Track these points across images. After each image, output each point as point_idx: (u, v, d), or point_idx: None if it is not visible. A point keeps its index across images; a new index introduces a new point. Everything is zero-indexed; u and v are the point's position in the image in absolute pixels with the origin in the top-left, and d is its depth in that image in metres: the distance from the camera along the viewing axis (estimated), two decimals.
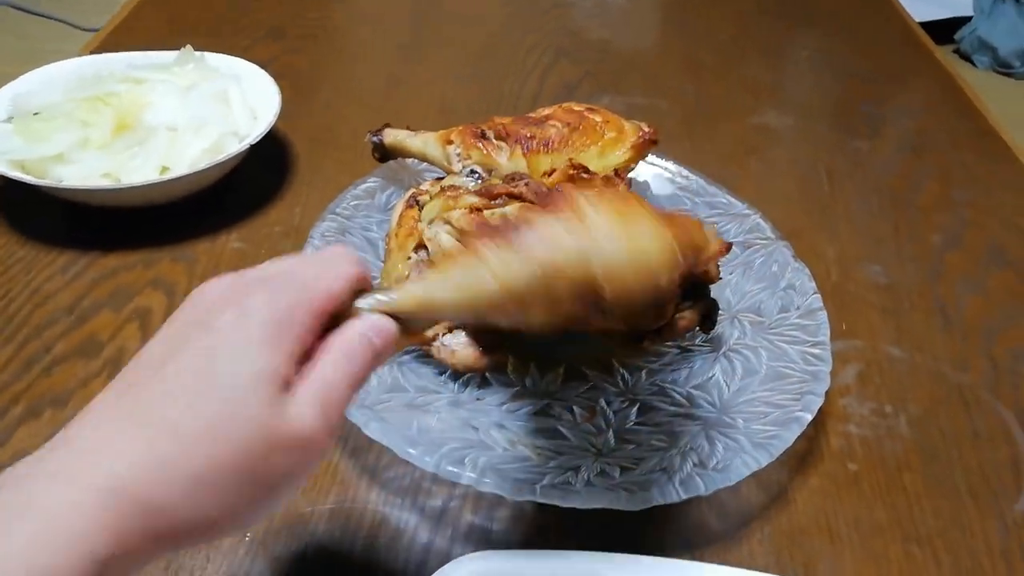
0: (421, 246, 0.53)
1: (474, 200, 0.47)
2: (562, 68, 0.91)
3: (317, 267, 0.30)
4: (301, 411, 0.26)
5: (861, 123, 0.85)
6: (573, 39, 0.97)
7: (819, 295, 0.56)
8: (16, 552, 0.22)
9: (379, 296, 0.31)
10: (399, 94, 0.85)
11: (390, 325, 0.30)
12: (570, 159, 0.49)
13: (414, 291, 0.31)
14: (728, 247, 0.51)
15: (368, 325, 0.29)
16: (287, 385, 0.27)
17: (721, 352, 0.56)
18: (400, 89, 0.86)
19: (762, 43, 0.99)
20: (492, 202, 0.47)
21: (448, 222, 0.47)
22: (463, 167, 0.55)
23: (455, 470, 0.43)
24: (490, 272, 0.31)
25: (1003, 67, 2.33)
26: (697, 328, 0.55)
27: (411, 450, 0.43)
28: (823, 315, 0.55)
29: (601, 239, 0.32)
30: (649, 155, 0.67)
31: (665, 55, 0.96)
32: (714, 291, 0.59)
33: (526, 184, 0.45)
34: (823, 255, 0.67)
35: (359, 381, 0.29)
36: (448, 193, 0.51)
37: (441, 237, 0.48)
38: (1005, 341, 0.60)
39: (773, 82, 0.92)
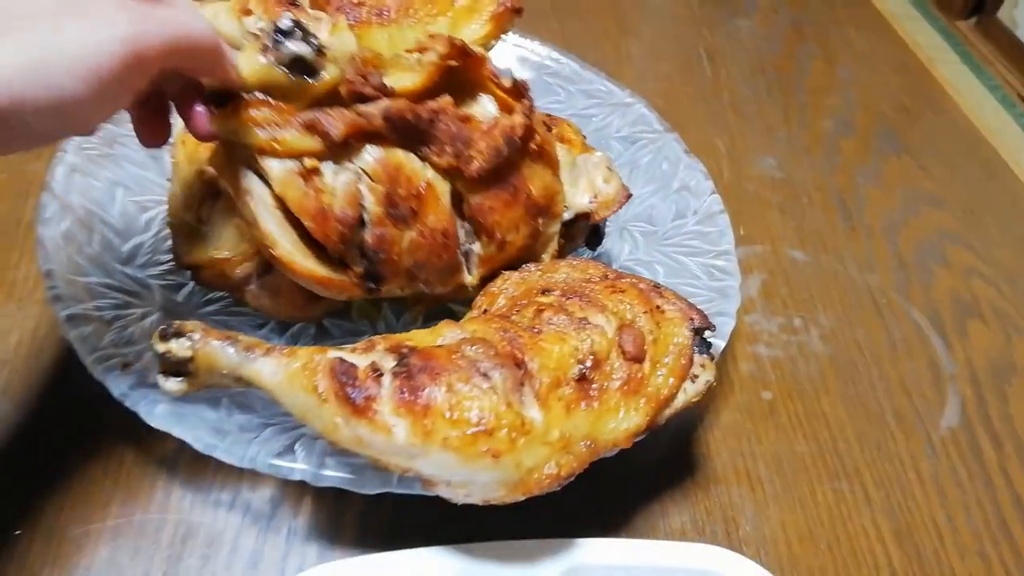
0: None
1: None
2: None
3: None
4: None
5: None
6: None
7: (718, 196, 0.47)
8: None
9: None
10: None
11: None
12: (437, 37, 0.35)
13: None
14: (627, 197, 0.42)
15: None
16: None
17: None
18: None
19: None
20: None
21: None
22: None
23: (280, 463, 0.31)
24: None
25: None
26: (583, 246, 0.46)
27: (215, 442, 0.31)
28: (724, 219, 0.47)
29: None
30: (511, 31, 0.55)
31: None
32: None
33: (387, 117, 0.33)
34: (713, 149, 0.58)
35: None
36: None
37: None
38: (909, 233, 0.55)
39: None
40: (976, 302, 0.51)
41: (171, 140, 0.36)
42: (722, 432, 0.41)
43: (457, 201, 0.36)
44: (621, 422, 0.32)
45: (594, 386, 0.32)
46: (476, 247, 0.37)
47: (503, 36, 0.47)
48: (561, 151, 0.39)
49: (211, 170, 0.37)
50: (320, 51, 0.31)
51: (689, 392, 0.34)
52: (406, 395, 0.29)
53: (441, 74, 0.34)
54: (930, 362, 0.46)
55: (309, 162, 0.32)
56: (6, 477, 0.34)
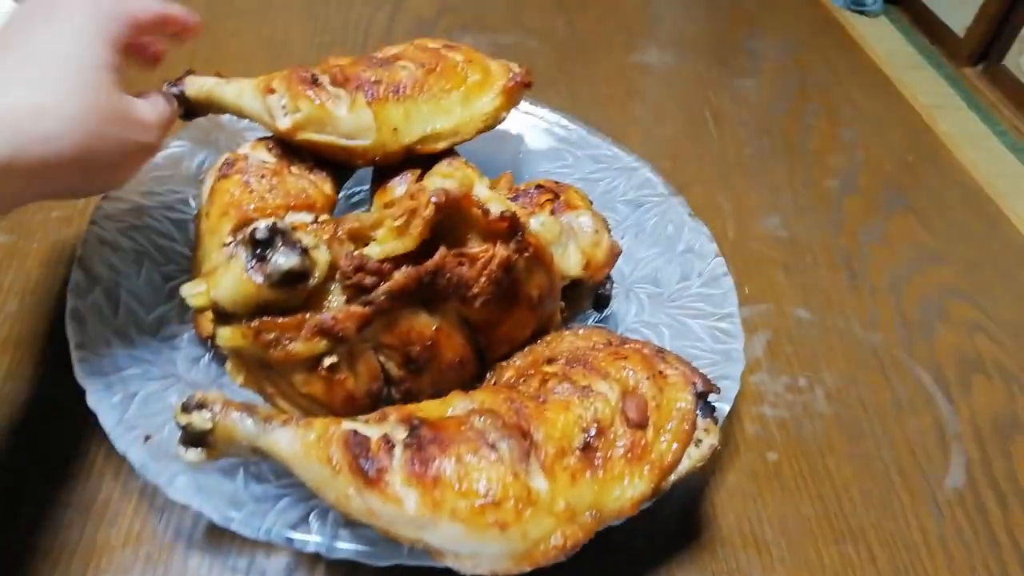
0: (240, 227, 0.42)
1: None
2: (416, 1, 0.79)
3: None
4: (134, 100, 0.37)
5: (743, 59, 0.78)
6: None
7: (722, 258, 0.49)
8: None
9: None
10: (218, 29, 0.70)
11: None
12: (421, 192, 0.35)
13: None
14: (617, 255, 0.43)
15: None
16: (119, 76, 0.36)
17: (619, 333, 0.47)
18: (220, 24, 0.71)
19: None
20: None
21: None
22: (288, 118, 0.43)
23: (295, 535, 0.32)
24: None
25: (856, 5, 2.38)
26: (590, 308, 0.47)
27: (232, 514, 0.32)
28: (728, 281, 0.48)
29: None
30: (532, 104, 0.57)
31: None
32: None
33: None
34: (718, 209, 0.60)
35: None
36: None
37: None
38: (913, 290, 0.55)
39: (649, 14, 0.83)
40: (980, 358, 0.51)
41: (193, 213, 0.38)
42: (728, 494, 0.42)
43: (465, 322, 0.37)
44: (626, 490, 0.33)
45: (598, 454, 0.33)
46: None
47: (515, 107, 0.50)
48: (551, 223, 0.41)
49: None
50: (307, 252, 0.32)
51: (693, 457, 0.35)
52: (417, 466, 0.30)
53: (430, 228, 0.34)
54: (934, 420, 0.47)
55: (327, 361, 0.33)
56: (26, 550, 0.35)
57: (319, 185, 0.45)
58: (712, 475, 0.42)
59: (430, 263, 0.35)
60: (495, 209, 0.36)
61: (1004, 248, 0.61)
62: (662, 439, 0.35)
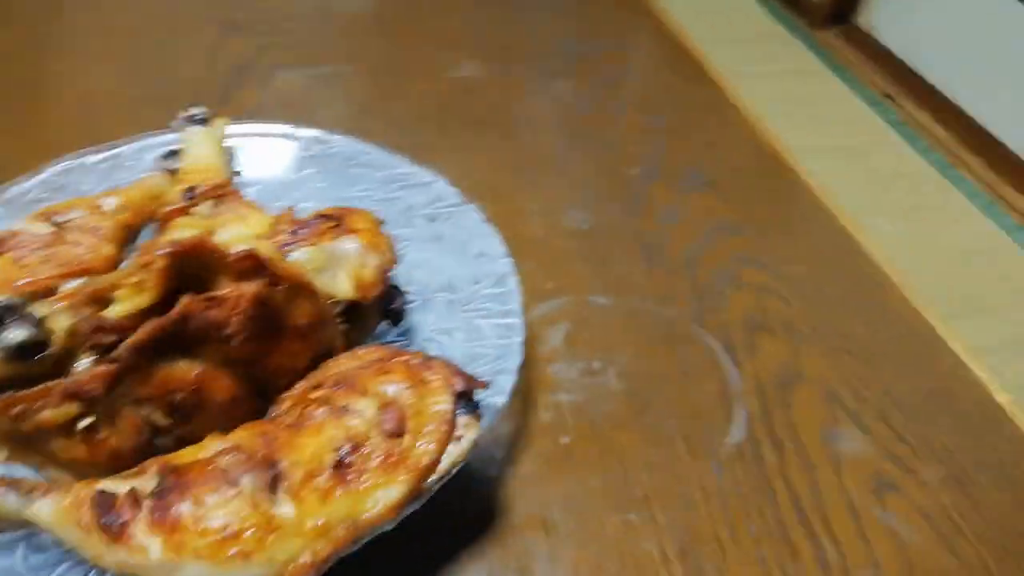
0: None
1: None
2: (233, 44, 0.80)
3: None
4: None
5: (560, 62, 0.82)
6: (244, 9, 0.86)
7: (509, 259, 0.51)
8: None
9: None
10: (31, 97, 0.70)
11: None
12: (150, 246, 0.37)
13: None
14: (386, 273, 0.45)
15: None
16: None
17: (416, 343, 0.50)
18: (33, 91, 0.71)
19: None
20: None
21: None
22: None
23: None
24: None
25: None
26: (384, 324, 0.49)
27: None
28: (513, 280, 0.50)
29: None
30: (328, 134, 0.59)
31: (352, 13, 0.87)
32: (406, 273, 0.53)
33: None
34: (526, 210, 0.63)
35: None
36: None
37: None
38: (707, 264, 0.59)
39: (468, 30, 0.86)
40: (765, 318, 0.55)
41: None
42: (521, 483, 0.44)
43: (232, 361, 0.39)
44: (381, 498, 0.35)
45: (352, 470, 0.35)
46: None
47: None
48: (315, 252, 0.43)
49: None
50: (41, 323, 0.33)
51: (454, 454, 0.38)
52: (157, 515, 0.32)
53: (170, 278, 0.36)
54: (720, 382, 0.51)
55: (82, 424, 0.34)
56: None
57: (97, 248, 0.46)
58: (506, 466, 0.45)
59: (173, 312, 0.36)
60: (234, 250, 0.37)
61: (797, 210, 0.65)
62: (419, 444, 0.37)
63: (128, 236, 0.49)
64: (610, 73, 0.81)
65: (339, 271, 0.44)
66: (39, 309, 0.34)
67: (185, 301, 0.37)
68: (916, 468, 0.46)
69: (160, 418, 0.38)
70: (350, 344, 0.46)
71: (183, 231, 0.39)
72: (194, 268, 0.37)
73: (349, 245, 0.45)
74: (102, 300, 0.36)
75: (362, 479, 0.35)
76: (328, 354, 0.44)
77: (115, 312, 0.36)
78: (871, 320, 0.55)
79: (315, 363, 0.43)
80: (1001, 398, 0.50)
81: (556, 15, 0.91)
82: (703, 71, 0.82)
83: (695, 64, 0.83)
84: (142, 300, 0.36)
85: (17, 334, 0.33)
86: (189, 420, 0.38)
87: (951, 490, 0.45)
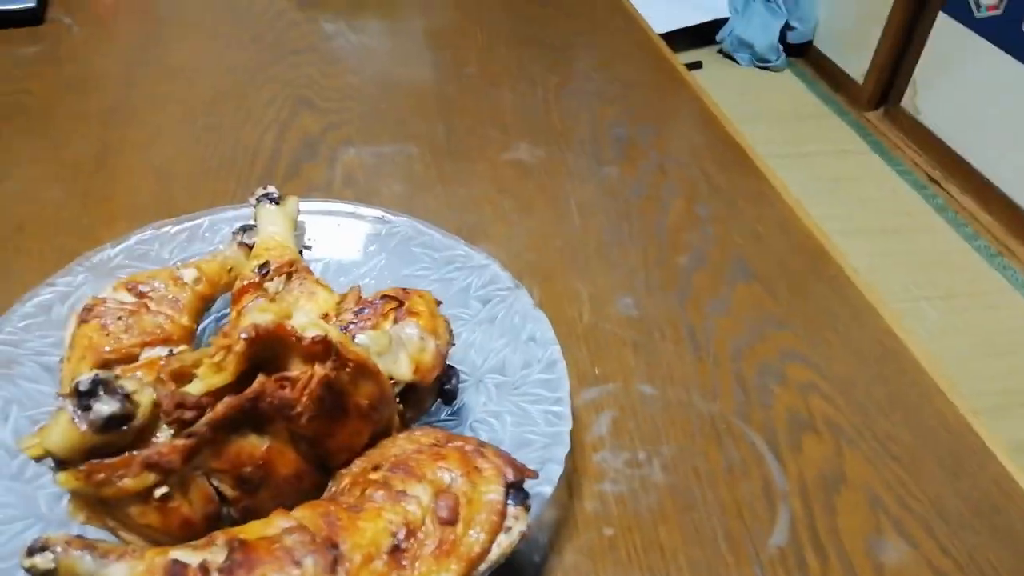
0: (100, 366, 0.45)
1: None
2: (303, 121, 0.84)
3: None
4: None
5: (610, 148, 0.85)
6: (314, 87, 0.91)
7: (557, 345, 0.53)
8: None
9: None
10: (109, 164, 0.75)
11: None
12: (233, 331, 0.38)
13: None
14: (443, 358, 0.47)
15: None
16: None
17: (467, 424, 0.52)
18: (110, 159, 0.76)
19: (509, 72, 0.97)
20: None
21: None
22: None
23: None
24: None
25: (762, 62, 2.51)
26: (439, 403, 0.51)
27: None
28: (562, 366, 0.52)
29: None
30: (391, 214, 0.62)
31: (411, 93, 0.92)
32: (460, 354, 0.55)
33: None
34: (576, 296, 0.65)
35: None
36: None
37: None
38: (752, 358, 0.60)
39: (523, 113, 0.90)
40: (811, 417, 0.56)
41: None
42: (564, 573, 0.45)
43: (298, 438, 0.41)
44: None
45: (407, 555, 0.37)
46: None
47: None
48: (379, 336, 0.45)
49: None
50: (128, 397, 0.36)
51: (503, 544, 0.39)
52: None
53: (248, 359, 0.38)
54: (764, 481, 0.51)
55: (158, 493, 0.37)
56: None
57: (175, 319, 0.49)
58: (551, 555, 0.46)
59: (249, 391, 0.39)
60: (308, 334, 0.40)
61: (841, 306, 0.66)
62: (471, 533, 0.38)
63: (204, 307, 0.52)
64: (657, 159, 0.83)
65: (400, 354, 0.46)
66: (127, 384, 0.36)
67: (260, 381, 0.39)
68: None
69: (228, 489, 0.40)
70: (406, 422, 0.48)
71: (262, 314, 0.41)
72: (269, 349, 0.40)
73: (411, 330, 0.47)
74: (185, 376, 0.39)
75: (416, 565, 0.37)
76: (386, 432, 0.46)
77: (196, 389, 0.38)
78: (916, 423, 0.56)
79: (373, 441, 0.45)
80: None
81: (603, 100, 0.94)
82: (747, 157, 0.84)
83: (739, 149, 0.85)
84: (222, 379, 0.38)
85: (108, 407, 0.35)
86: (256, 492, 0.40)
87: None
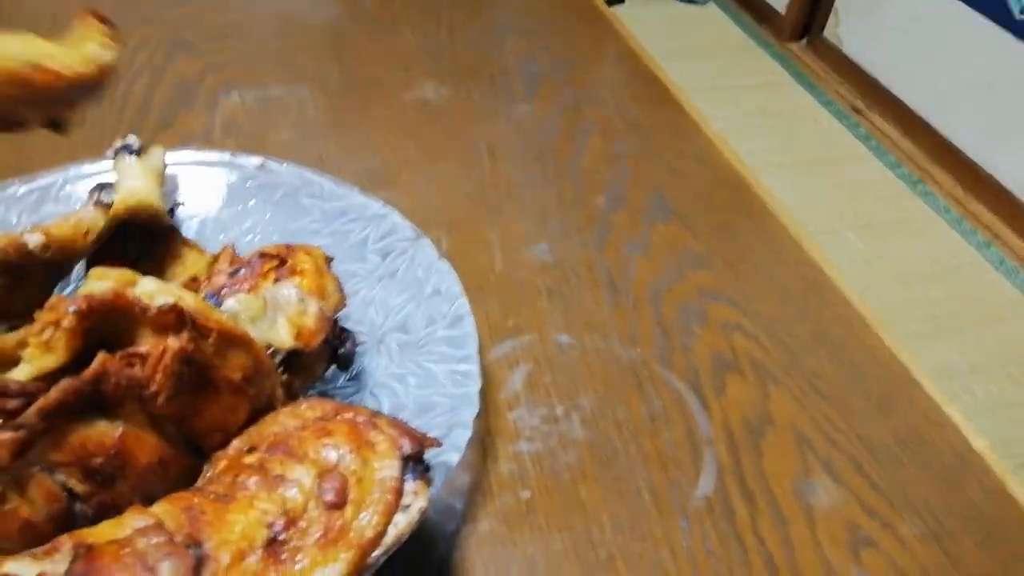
0: None
1: None
2: (179, 65, 0.76)
3: None
4: None
5: (522, 85, 0.79)
6: (193, 28, 0.82)
7: (464, 298, 0.48)
8: None
9: None
10: None
11: None
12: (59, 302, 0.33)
13: None
14: (330, 320, 0.42)
15: None
16: None
17: (368, 390, 0.47)
18: None
19: (412, 5, 0.90)
20: None
21: None
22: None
23: None
24: None
25: None
26: (333, 369, 0.46)
27: None
28: (470, 321, 0.48)
29: None
30: (275, 163, 0.56)
31: (302, 31, 0.84)
32: (358, 313, 0.51)
33: None
34: (487, 244, 0.60)
35: None
36: None
37: None
38: (673, 300, 0.57)
39: (427, 49, 0.83)
40: (735, 357, 0.53)
41: None
42: (478, 542, 0.41)
43: (158, 420, 0.35)
44: None
45: (287, 547, 0.32)
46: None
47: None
48: (250, 300, 0.40)
49: None
50: None
51: (400, 525, 0.35)
52: None
53: (83, 335, 0.32)
54: (688, 429, 0.48)
55: None
56: None
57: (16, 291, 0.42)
58: (463, 524, 0.42)
59: (87, 372, 0.33)
60: (156, 303, 0.34)
61: (764, 242, 0.63)
62: (362, 516, 0.34)
63: (53, 278, 0.45)
64: (572, 96, 0.78)
65: (278, 319, 0.41)
66: None
67: (101, 359, 0.33)
68: (893, 522, 0.44)
69: (78, 484, 0.34)
70: (294, 393, 0.43)
71: (98, 282, 0.35)
72: (111, 323, 0.34)
73: (289, 291, 0.42)
74: (8, 362, 0.33)
75: (297, 558, 0.32)
76: (269, 406, 0.41)
77: (22, 374, 0.32)
78: (842, 358, 0.54)
79: (255, 417, 0.40)
80: (978, 444, 0.48)
81: (515, 34, 0.88)
82: (667, 91, 0.80)
83: (658, 84, 0.81)
84: (52, 360, 0.32)
85: None
86: (111, 485, 0.35)
87: (929, 547, 0.43)
